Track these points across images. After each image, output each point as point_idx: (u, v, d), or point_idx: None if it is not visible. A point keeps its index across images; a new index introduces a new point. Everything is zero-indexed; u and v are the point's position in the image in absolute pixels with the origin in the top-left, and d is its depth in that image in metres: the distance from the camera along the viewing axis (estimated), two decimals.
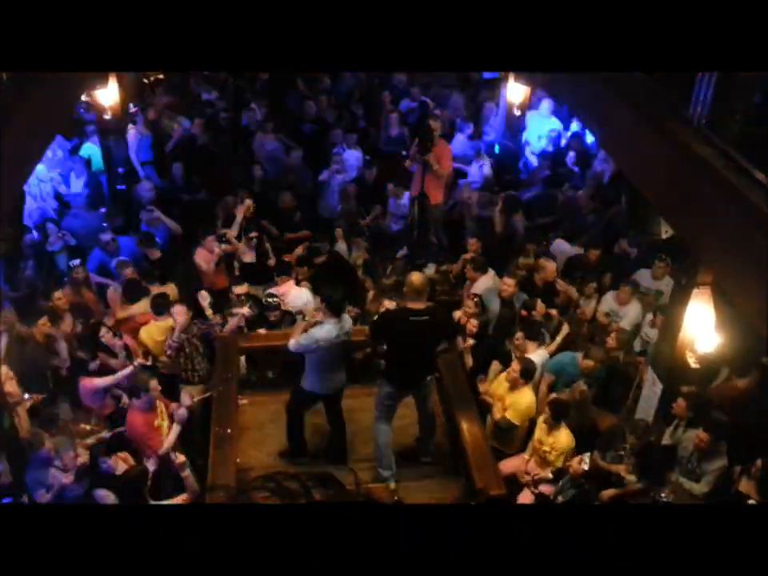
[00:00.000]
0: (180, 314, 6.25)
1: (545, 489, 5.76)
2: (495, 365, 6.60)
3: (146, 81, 11.04)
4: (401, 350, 5.46)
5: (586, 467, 5.52)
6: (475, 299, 6.95)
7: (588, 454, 5.62)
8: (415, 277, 5.42)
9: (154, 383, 5.45)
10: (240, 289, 7.15)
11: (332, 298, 5.50)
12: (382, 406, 5.64)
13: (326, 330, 5.43)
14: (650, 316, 6.87)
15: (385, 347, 5.61)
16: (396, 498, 5.50)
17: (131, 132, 9.33)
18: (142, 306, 6.87)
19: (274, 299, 6.82)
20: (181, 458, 5.29)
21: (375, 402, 5.69)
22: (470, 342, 6.73)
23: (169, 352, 6.30)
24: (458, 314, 7.09)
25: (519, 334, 6.55)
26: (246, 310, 6.67)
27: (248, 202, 8.22)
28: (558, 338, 6.77)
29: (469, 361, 6.71)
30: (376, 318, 5.73)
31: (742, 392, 5.95)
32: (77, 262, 7.04)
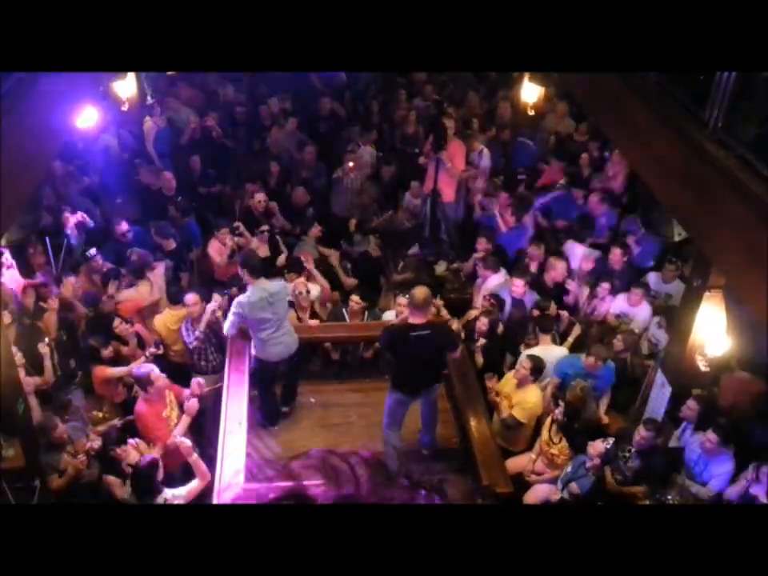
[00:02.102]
0: (193, 302, 6.30)
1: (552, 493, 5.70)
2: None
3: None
4: (405, 364, 5.50)
5: (608, 446, 5.43)
6: (491, 300, 6.94)
7: (612, 438, 5.55)
8: (418, 291, 5.35)
9: (156, 376, 5.50)
10: None
11: (248, 260, 5.80)
12: (391, 412, 5.71)
13: (248, 294, 5.67)
14: (657, 317, 6.85)
15: (391, 359, 5.65)
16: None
17: (148, 123, 9.40)
18: (130, 293, 6.99)
19: None
20: (186, 442, 5.31)
21: (385, 408, 5.74)
22: (482, 340, 6.74)
23: (194, 344, 6.36)
24: (473, 313, 7.11)
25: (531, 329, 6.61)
26: None
27: (258, 196, 8.27)
28: (570, 339, 6.77)
29: (479, 359, 6.73)
30: (382, 333, 5.63)
31: (749, 385, 5.91)
32: (93, 251, 7.11)
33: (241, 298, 5.74)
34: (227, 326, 5.87)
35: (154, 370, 5.58)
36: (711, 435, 5.30)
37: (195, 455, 5.20)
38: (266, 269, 7.82)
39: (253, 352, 6.07)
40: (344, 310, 7.08)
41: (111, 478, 5.34)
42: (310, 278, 7.27)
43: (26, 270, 6.97)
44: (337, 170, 9.31)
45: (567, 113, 10.07)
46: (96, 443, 5.39)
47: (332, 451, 1.16)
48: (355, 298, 6.96)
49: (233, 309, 5.75)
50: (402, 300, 6.48)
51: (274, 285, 5.87)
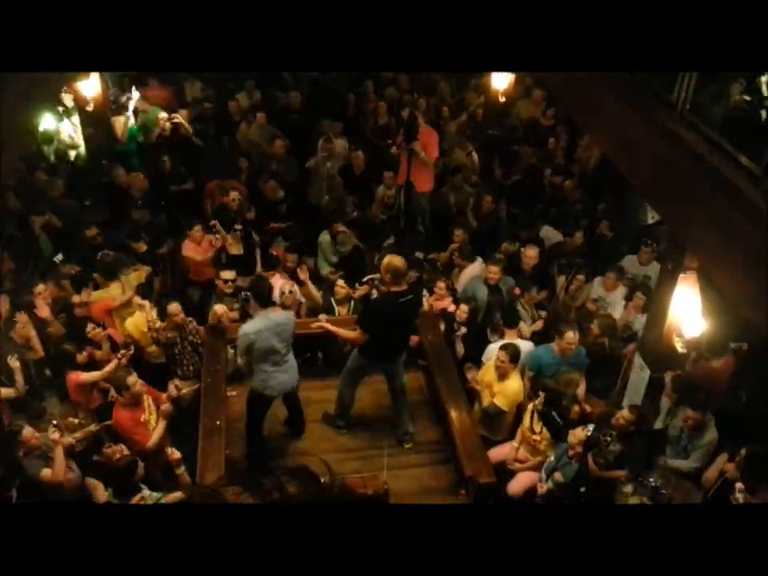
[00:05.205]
0: (175, 312, 6.25)
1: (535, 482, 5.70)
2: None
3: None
4: (388, 333, 5.48)
5: (588, 434, 5.43)
6: (447, 281, 6.94)
7: (591, 425, 5.57)
8: (396, 260, 5.42)
9: (132, 381, 5.43)
10: (227, 274, 7.07)
11: (258, 290, 5.52)
12: (350, 374, 5.79)
13: (255, 323, 5.38)
14: (635, 300, 6.84)
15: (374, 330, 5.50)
16: (379, 488, 5.43)
17: (116, 123, 9.24)
18: (100, 294, 6.84)
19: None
20: (176, 454, 5.23)
21: (345, 371, 5.81)
22: (462, 330, 6.72)
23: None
24: (429, 301, 7.04)
25: (498, 320, 6.59)
26: (221, 308, 6.59)
27: (233, 194, 8.17)
28: (539, 321, 6.80)
29: (460, 349, 6.72)
30: (365, 309, 5.65)
31: (720, 371, 5.98)
32: (60, 257, 6.98)
33: (247, 327, 5.43)
34: (240, 358, 5.65)
35: (132, 375, 5.49)
36: (691, 411, 5.34)
37: (183, 468, 5.15)
38: (242, 266, 7.79)
39: (251, 384, 5.68)
40: (330, 298, 7.02)
41: (92, 481, 5.25)
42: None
43: None
44: (310, 159, 9.22)
45: (542, 99, 10.12)
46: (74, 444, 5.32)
47: (262, 469, 1.14)
48: (340, 282, 6.93)
49: (241, 339, 5.43)
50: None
51: (280, 315, 5.54)
